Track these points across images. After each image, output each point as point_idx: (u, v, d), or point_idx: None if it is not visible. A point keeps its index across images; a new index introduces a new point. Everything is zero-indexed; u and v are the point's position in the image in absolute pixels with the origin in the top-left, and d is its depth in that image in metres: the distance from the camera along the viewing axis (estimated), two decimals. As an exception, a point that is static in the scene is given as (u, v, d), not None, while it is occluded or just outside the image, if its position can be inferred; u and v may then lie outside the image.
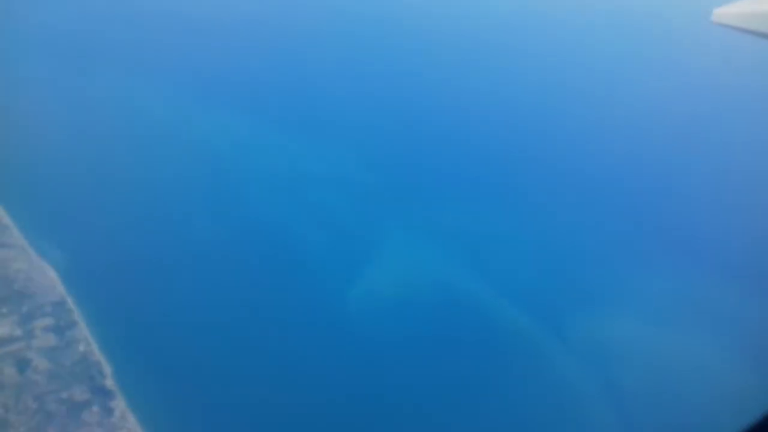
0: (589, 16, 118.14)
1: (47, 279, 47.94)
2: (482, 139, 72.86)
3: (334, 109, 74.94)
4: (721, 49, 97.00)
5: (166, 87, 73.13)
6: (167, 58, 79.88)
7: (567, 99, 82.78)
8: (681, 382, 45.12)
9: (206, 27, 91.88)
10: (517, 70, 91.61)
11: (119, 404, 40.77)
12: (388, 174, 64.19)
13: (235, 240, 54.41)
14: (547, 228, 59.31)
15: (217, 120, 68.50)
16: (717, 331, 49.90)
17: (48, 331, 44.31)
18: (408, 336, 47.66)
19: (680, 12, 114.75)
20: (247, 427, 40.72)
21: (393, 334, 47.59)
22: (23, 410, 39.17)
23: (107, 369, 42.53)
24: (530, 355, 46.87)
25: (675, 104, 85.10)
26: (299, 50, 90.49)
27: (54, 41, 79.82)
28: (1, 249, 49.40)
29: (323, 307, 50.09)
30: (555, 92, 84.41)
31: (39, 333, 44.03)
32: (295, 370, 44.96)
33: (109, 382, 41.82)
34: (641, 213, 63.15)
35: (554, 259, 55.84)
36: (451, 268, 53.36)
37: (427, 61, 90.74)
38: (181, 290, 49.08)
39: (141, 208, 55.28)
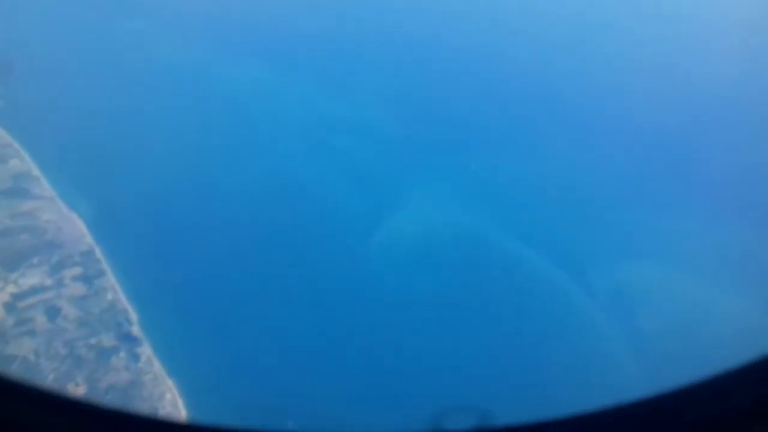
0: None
1: (76, 229, 48.89)
2: (509, 88, 69.70)
3: (360, 57, 72.85)
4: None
5: (189, 35, 72.30)
6: (190, 5, 78.79)
7: (590, 46, 77.93)
8: (703, 326, 43.26)
9: None
10: (536, 16, 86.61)
11: (145, 350, 41.67)
12: (412, 121, 62.37)
13: (259, 187, 54.03)
14: (571, 177, 56.87)
15: (242, 68, 67.54)
16: (739, 273, 47.49)
17: (77, 280, 45.36)
18: (430, 282, 46.84)
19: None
20: (271, 371, 41.11)
21: (415, 280, 46.88)
22: (54, 356, 40.46)
23: (134, 316, 43.40)
24: (553, 300, 45.57)
25: (691, 45, 79.21)
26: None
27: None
28: (31, 200, 50.52)
29: (346, 252, 49.60)
30: (577, 39, 79.64)
31: (68, 282, 45.12)
32: (317, 315, 44.94)
33: (136, 329, 42.71)
34: (666, 159, 59.82)
35: (578, 206, 53.65)
36: (474, 216, 51.89)
37: (453, 7, 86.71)
38: (207, 238, 49.28)
39: (166, 157, 55.33)
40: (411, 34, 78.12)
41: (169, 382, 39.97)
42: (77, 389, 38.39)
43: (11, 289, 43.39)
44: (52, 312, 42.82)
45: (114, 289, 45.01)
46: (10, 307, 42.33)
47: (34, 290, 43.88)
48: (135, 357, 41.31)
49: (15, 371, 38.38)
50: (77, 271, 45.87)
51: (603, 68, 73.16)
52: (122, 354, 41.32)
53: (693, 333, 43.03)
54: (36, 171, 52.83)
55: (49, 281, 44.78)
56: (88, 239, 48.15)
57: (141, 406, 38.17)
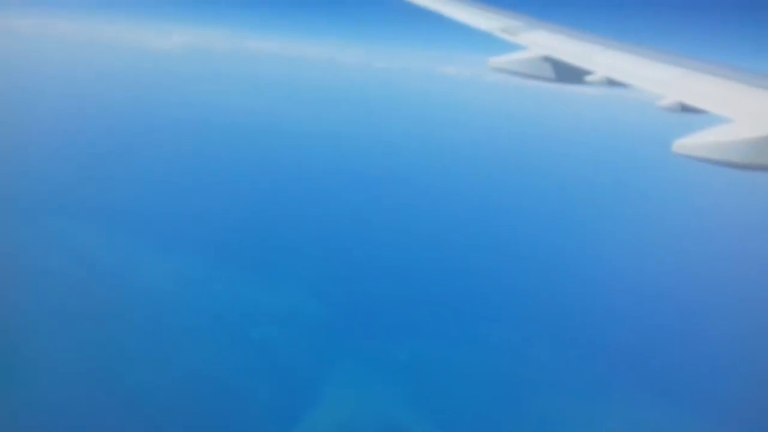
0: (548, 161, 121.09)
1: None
2: (440, 274, 71.35)
3: (283, 246, 73.92)
4: (686, 180, 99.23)
5: (109, 230, 71.62)
6: (110, 199, 79.80)
7: (523, 243, 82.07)
8: None
9: (146, 162, 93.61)
10: (467, 216, 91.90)
11: None
12: (337, 307, 61.63)
13: (173, 387, 49.69)
14: (497, 362, 56.19)
15: (155, 257, 66.41)
16: None
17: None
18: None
19: (640, 144, 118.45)
20: None
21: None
22: None
23: None
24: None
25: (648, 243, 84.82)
26: (242, 186, 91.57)
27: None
28: None
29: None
30: (508, 235, 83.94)
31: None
32: None
33: None
34: (609, 347, 60.34)
35: (506, 394, 52.39)
36: (399, 406, 49.30)
37: (378, 196, 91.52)
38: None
39: (71, 359, 50.76)
40: (333, 221, 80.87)
41: None
42: None
43: None
44: None
45: None
46: None
47: None
48: None
49: None
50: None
51: (541, 266, 75.76)
52: None
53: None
54: None
55: None
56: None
57: None
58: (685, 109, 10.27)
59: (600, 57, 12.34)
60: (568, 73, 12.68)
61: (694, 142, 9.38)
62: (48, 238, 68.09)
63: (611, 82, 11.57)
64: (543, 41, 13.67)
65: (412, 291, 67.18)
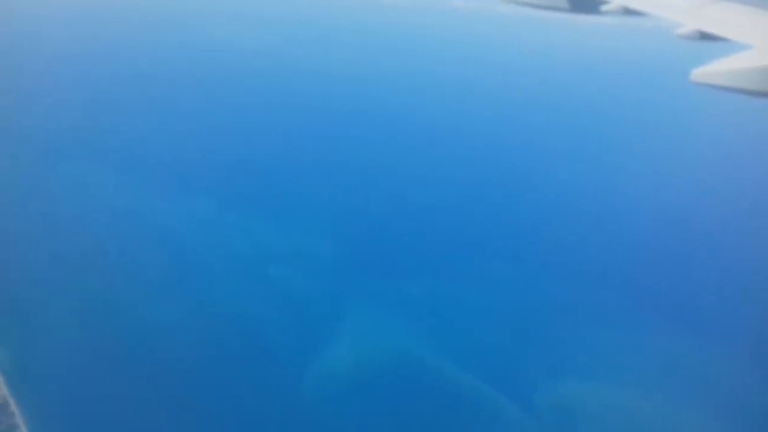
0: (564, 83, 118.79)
1: (-11, 379, 44.66)
2: (448, 210, 71.50)
3: (295, 185, 74.17)
4: (706, 106, 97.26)
5: (124, 173, 72.19)
6: (119, 139, 79.96)
7: (538, 176, 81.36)
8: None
9: (159, 107, 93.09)
10: (486, 142, 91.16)
11: None
12: (350, 246, 62.38)
13: (190, 325, 51.21)
14: (515, 300, 56.80)
15: (171, 200, 67.08)
16: (689, 390, 47.10)
17: (-15, 437, 40.73)
18: (368, 413, 44.42)
19: (658, 73, 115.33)
20: None
21: (352, 412, 44.34)
22: None
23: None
24: (495, 425, 43.75)
25: (667, 171, 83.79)
26: (256, 127, 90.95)
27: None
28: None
29: (281, 385, 46.87)
30: (522, 168, 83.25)
31: (-27, 441, 40.44)
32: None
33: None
34: (610, 272, 60.70)
35: (523, 330, 53.23)
36: (413, 341, 50.61)
37: (388, 134, 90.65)
38: (132, 386, 45.58)
39: (89, 299, 52.41)
40: (344, 159, 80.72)
41: None
42: None
43: None
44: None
45: (25, 447, 40.52)
46: None
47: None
48: None
49: None
50: (-15, 427, 41.33)
51: (555, 191, 75.51)
52: None
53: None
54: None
55: (-50, 442, 40.11)
56: (3, 390, 43.97)
57: None
58: (703, 36, 10.05)
59: (616, -15, 12.00)
60: (583, 3, 12.39)
61: (712, 70, 9.26)
62: (55, 183, 68.97)
63: (628, 11, 11.29)
64: (557, -30, 13.33)
65: (425, 229, 67.62)
